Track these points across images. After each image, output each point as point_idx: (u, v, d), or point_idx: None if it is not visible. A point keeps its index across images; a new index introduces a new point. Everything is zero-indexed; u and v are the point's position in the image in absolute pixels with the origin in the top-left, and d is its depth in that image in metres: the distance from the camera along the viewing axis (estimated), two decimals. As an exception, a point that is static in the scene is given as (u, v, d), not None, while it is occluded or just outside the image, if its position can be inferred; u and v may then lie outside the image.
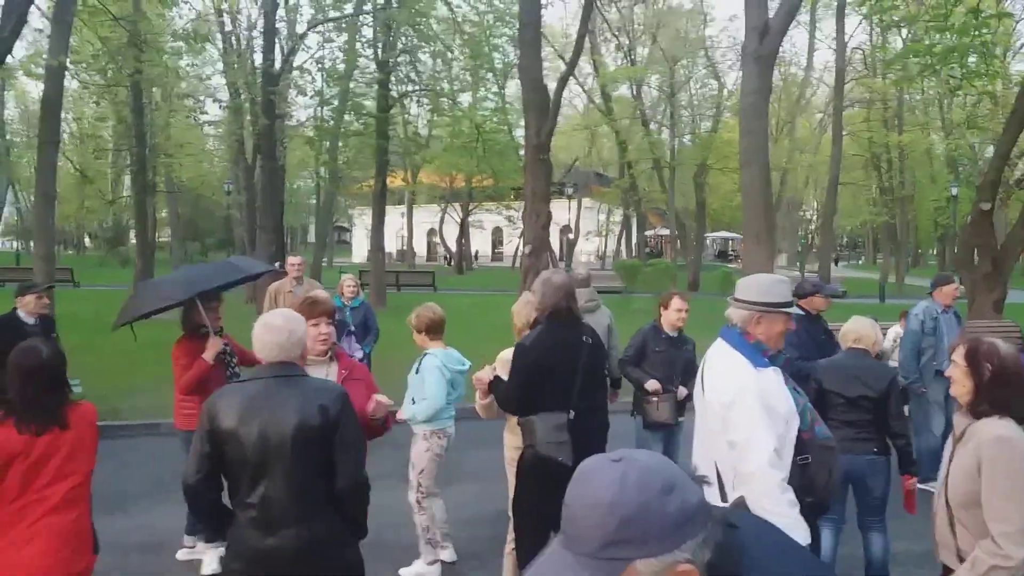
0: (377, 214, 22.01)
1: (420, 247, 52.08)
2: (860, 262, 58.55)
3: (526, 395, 3.78)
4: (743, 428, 2.75)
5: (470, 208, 41.27)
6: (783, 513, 2.61)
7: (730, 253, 50.97)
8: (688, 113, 35.78)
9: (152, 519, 5.91)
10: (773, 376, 2.87)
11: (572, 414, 3.74)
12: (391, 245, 40.38)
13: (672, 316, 5.64)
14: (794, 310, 2.98)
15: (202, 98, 25.94)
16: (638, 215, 37.73)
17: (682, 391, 5.60)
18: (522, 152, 22.13)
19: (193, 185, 34.32)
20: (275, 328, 2.84)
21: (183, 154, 26.49)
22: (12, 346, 5.69)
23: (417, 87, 21.62)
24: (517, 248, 46.73)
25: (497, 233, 50.69)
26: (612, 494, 1.09)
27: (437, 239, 48.82)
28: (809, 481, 2.84)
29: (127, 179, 39.49)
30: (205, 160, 35.87)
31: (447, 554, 4.96)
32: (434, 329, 4.71)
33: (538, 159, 10.75)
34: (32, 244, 23.52)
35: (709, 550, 1.10)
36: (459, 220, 42.28)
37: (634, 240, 43.13)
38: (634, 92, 33.64)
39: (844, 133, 29.75)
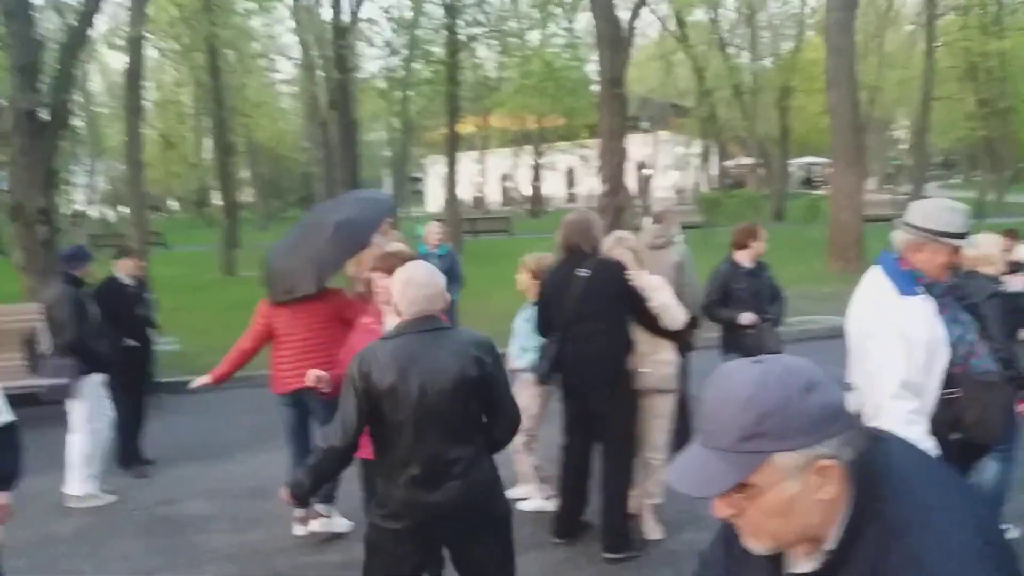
0: (451, 161, 22.00)
1: (494, 192, 51.96)
2: (956, 181, 55.53)
3: (543, 318, 4.44)
4: (875, 357, 2.70)
5: (542, 150, 40.73)
6: None
7: (815, 180, 49.07)
8: (769, 34, 34.08)
9: (257, 466, 6.15)
10: (920, 304, 2.74)
11: (560, 340, 4.29)
12: (465, 192, 40.34)
13: (760, 247, 5.48)
14: (964, 242, 2.80)
15: (274, 57, 26.30)
16: (718, 145, 36.52)
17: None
18: (595, 88, 21.65)
19: (271, 144, 34.98)
20: (420, 282, 2.78)
21: (260, 114, 26.95)
22: (115, 306, 6.02)
23: (485, 29, 21.28)
24: (593, 188, 46.10)
25: (571, 174, 50.04)
26: (751, 390, 1.11)
27: (511, 183, 48.62)
28: (954, 417, 2.73)
29: (208, 142, 40.77)
30: (281, 119, 36.44)
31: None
32: (539, 275, 4.73)
33: (612, 94, 10.43)
34: (122, 210, 24.46)
35: (852, 449, 1.11)
36: (532, 163, 41.87)
37: (713, 172, 41.92)
38: (711, 15, 32.17)
39: (937, 45, 27.87)
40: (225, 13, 18.25)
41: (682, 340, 4.59)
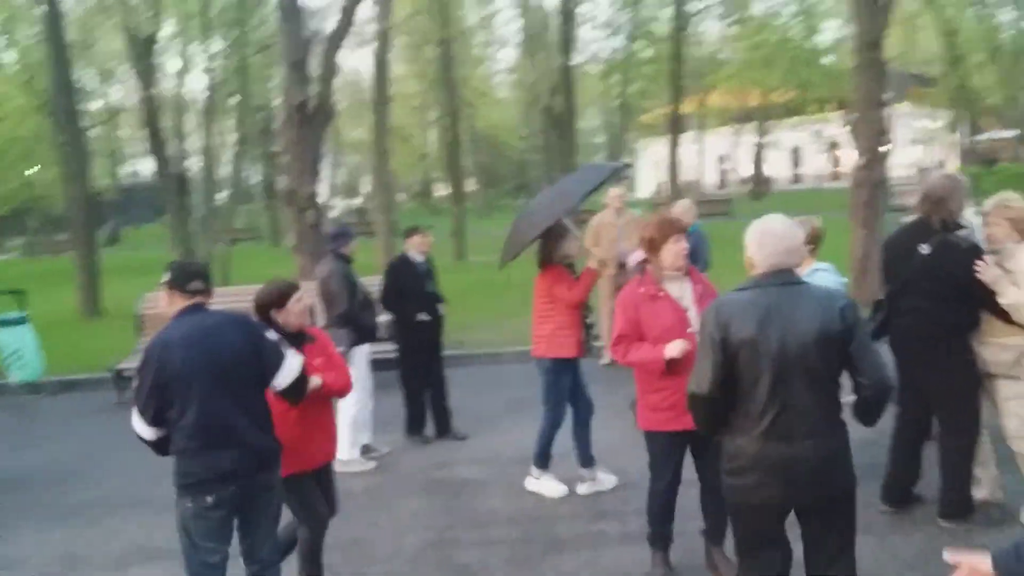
0: (673, 142, 21.55)
1: (711, 175, 50.28)
2: None
3: (883, 279, 4.39)
4: None
5: (767, 127, 38.71)
6: None
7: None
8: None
9: (517, 437, 6.21)
10: None
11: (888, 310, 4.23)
12: (682, 174, 39.27)
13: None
14: None
15: (496, 46, 27.11)
16: (969, 117, 32.69)
17: None
18: (828, 59, 20.29)
19: (491, 133, 36.13)
20: (779, 234, 2.76)
21: (482, 104, 27.84)
22: (406, 281, 6.36)
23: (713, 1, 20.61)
24: (819, 168, 43.30)
25: (796, 153, 47.25)
26: None
27: (729, 165, 46.84)
28: None
29: (431, 134, 43.03)
30: (500, 107, 37.51)
31: None
32: (815, 241, 4.47)
33: (870, 59, 9.62)
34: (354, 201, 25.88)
35: None
36: (755, 142, 39.98)
37: (960, 147, 37.72)
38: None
39: None
40: (455, 5, 18.93)
41: None
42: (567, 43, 18.70)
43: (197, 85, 22.02)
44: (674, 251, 3.65)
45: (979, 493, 4.23)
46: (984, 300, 3.92)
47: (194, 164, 24.72)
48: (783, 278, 2.73)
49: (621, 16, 20.63)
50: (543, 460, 5.12)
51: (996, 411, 4.15)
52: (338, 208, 31.86)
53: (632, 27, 20.42)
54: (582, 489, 5.07)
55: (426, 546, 4.48)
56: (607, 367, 7.62)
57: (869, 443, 5.24)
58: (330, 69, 10.42)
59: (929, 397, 4.21)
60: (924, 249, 4.04)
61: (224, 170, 27.87)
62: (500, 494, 5.21)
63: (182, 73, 21.46)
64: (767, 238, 2.75)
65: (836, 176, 46.97)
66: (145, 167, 51.64)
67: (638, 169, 59.33)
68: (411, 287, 6.34)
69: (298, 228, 10.23)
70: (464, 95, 23.73)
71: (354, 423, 5.90)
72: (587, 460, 5.12)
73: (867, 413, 2.77)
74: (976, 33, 28.01)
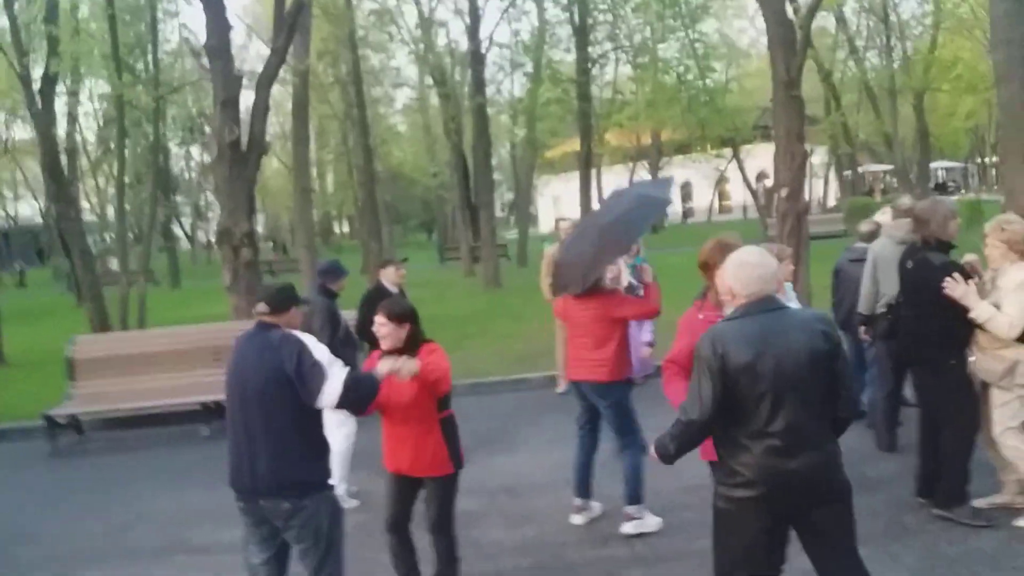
0: (584, 178, 22.21)
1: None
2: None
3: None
4: None
5: (661, 165, 40.32)
6: None
7: (949, 184, 46.87)
8: (897, 34, 32.59)
9: (498, 467, 6.29)
10: None
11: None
12: (576, 212, 40.20)
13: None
14: None
15: (401, 85, 27.18)
16: (849, 152, 35.04)
17: None
18: (728, 97, 21.48)
19: (397, 171, 36.13)
20: (754, 264, 2.93)
21: (396, 141, 27.83)
22: None
23: (615, 46, 21.48)
24: (712, 201, 45.40)
25: (686, 188, 49.41)
26: None
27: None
28: None
29: (329, 172, 42.45)
30: (406, 144, 37.53)
31: None
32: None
33: (789, 96, 10.27)
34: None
35: None
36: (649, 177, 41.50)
37: (834, 181, 40.40)
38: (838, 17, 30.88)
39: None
40: (363, 47, 18.96)
41: None
42: (478, 83, 19.03)
43: (88, 125, 21.38)
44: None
45: (999, 498, 4.57)
46: (958, 315, 4.28)
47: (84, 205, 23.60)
48: (767, 304, 2.89)
49: (525, 58, 21.22)
50: (640, 495, 4.81)
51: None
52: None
53: (537, 69, 20.97)
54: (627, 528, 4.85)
55: (439, 580, 4.39)
56: (563, 396, 7.71)
57: (863, 456, 5.60)
58: (262, 107, 10.26)
59: (927, 399, 4.67)
60: (909, 265, 4.63)
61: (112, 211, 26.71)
62: (499, 524, 5.19)
63: (75, 113, 20.61)
64: (743, 269, 2.92)
65: (726, 209, 49.56)
66: (23, 210, 48.87)
67: (538, 206, 60.36)
68: None
69: (232, 266, 9.94)
70: (378, 133, 23.71)
71: (344, 458, 5.76)
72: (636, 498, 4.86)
73: (839, 425, 2.98)
74: (853, 74, 30.23)
